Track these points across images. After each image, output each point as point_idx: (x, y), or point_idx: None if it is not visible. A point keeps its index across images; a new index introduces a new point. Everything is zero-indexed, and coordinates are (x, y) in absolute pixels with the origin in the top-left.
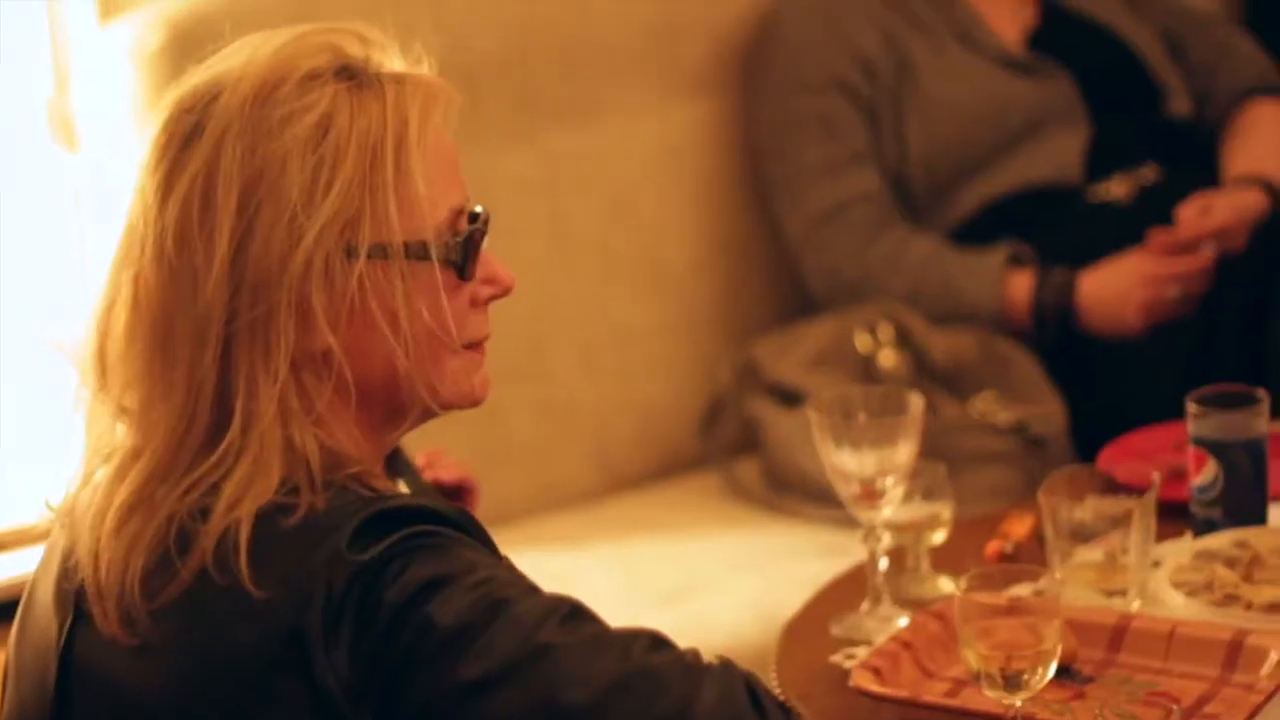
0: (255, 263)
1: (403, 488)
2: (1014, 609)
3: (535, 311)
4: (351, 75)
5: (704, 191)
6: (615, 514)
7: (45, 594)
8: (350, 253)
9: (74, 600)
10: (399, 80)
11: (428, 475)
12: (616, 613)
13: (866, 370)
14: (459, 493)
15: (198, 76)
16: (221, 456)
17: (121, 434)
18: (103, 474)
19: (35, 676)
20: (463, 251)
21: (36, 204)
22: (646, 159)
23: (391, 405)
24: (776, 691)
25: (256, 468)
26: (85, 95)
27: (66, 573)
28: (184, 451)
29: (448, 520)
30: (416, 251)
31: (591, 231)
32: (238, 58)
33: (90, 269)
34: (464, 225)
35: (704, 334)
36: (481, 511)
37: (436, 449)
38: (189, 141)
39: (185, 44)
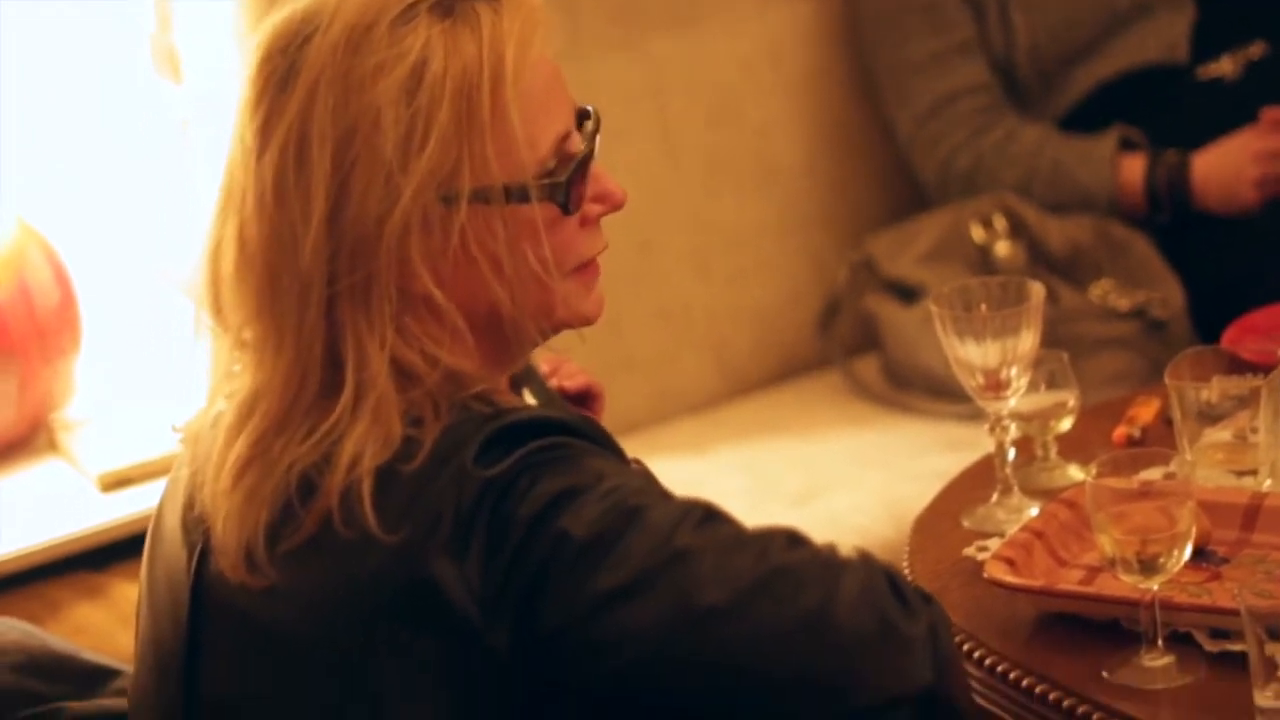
0: (353, 224)
1: (528, 397)
2: (1146, 492)
3: (646, 219)
4: (447, 10)
5: (809, 90)
6: (737, 418)
7: (173, 522)
8: (449, 201)
9: (201, 531)
10: (495, 7)
11: (552, 383)
12: (745, 516)
13: (983, 262)
14: (585, 399)
15: (290, 10)
16: (339, 416)
17: (241, 366)
18: (224, 407)
19: (168, 605)
20: (566, 188)
21: (144, 137)
22: (749, 60)
23: (503, 340)
24: None
25: (375, 424)
26: (187, 26)
27: (191, 502)
28: (298, 406)
29: (573, 430)
30: (517, 194)
31: (698, 136)
32: None
33: (200, 202)
34: (575, 147)
35: (816, 233)
36: (604, 420)
37: (560, 356)
38: (284, 86)
39: None
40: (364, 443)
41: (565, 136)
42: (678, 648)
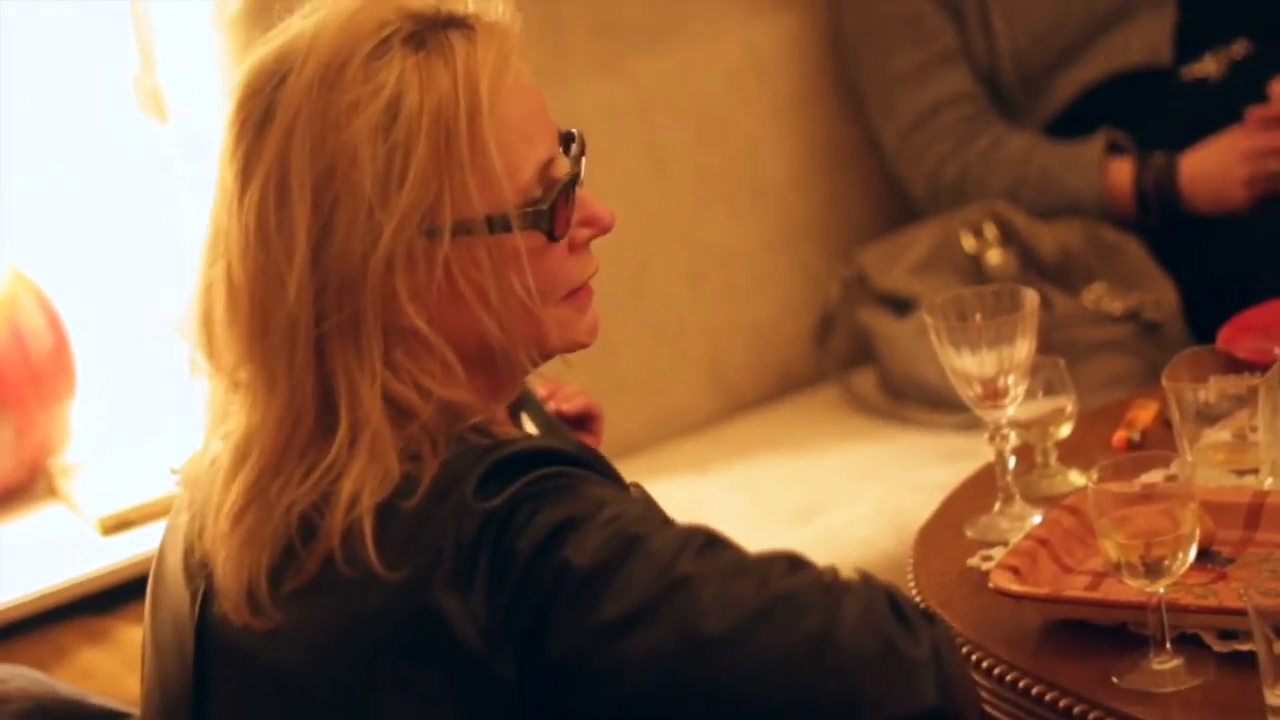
0: (336, 263)
1: (528, 423)
2: (1149, 495)
3: (637, 239)
4: (420, 42)
5: (795, 105)
6: (736, 436)
7: (174, 566)
8: (432, 235)
9: (203, 574)
10: (469, 36)
11: (550, 407)
12: (746, 535)
13: (975, 271)
14: (584, 421)
15: (265, 50)
16: (335, 455)
17: (237, 405)
18: (221, 447)
19: (174, 649)
20: (550, 215)
21: (131, 178)
22: (734, 76)
23: (495, 370)
24: (916, 600)
25: (372, 461)
26: (170, 65)
27: (192, 546)
28: (293, 446)
29: (571, 459)
30: (500, 224)
31: (686, 153)
32: (305, 25)
33: (188, 240)
34: (559, 172)
35: (807, 248)
36: (602, 441)
37: (558, 380)
38: (261, 128)
39: (265, 4)
40: (362, 480)
41: (549, 162)
42: (681, 676)
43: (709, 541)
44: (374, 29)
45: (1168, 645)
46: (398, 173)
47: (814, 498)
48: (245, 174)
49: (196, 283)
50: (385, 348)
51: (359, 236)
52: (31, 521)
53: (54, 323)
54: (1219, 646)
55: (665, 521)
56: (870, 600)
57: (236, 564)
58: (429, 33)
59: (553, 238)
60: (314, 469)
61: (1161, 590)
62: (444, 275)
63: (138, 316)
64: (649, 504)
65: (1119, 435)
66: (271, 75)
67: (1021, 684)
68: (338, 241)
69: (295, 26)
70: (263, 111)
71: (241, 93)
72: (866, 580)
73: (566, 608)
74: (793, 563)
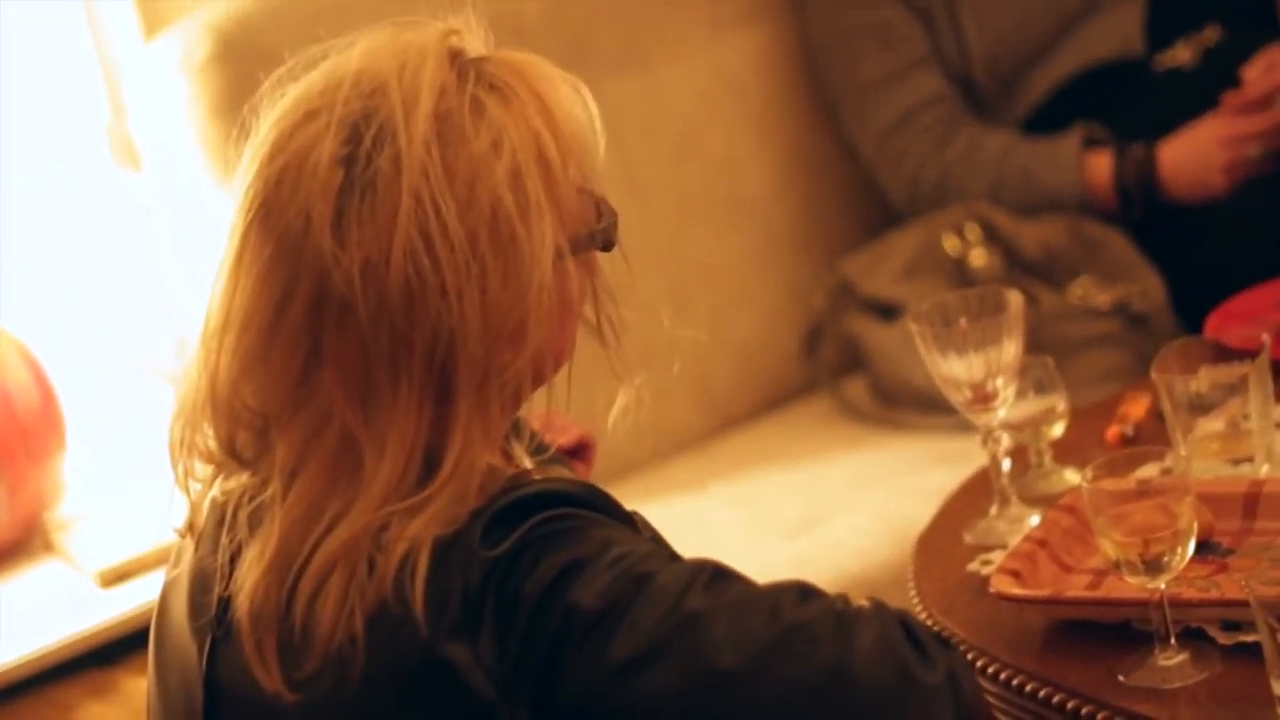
0: (503, 313)
1: (522, 457)
2: (1144, 491)
3: (619, 261)
4: (489, 84)
5: (769, 119)
6: (730, 452)
7: (179, 617)
8: (560, 259)
9: (210, 625)
10: (508, 63)
11: (546, 439)
12: (746, 549)
13: (959, 273)
14: (579, 450)
15: (329, 113)
16: (410, 504)
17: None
18: (258, 499)
19: (182, 700)
20: (615, 227)
21: (108, 228)
22: (707, 95)
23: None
24: (917, 607)
25: (450, 505)
26: (142, 114)
27: (201, 604)
28: (394, 500)
29: (574, 499)
30: (592, 240)
31: (662, 173)
32: (368, 85)
33: (167, 288)
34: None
35: (790, 261)
36: (596, 466)
37: (553, 410)
38: (372, 193)
39: (234, 49)
40: (423, 530)
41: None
42: (697, 713)
43: (717, 575)
44: (457, 80)
45: (1172, 640)
46: (535, 212)
47: (812, 509)
48: (363, 240)
49: (237, 343)
50: (517, 393)
51: (518, 283)
52: (29, 578)
53: (39, 378)
54: (1223, 639)
55: (672, 557)
56: (884, 627)
57: (330, 625)
58: (488, 71)
59: (605, 251)
60: (393, 520)
61: (1163, 586)
62: (573, 303)
63: (122, 366)
64: (656, 540)
65: (1112, 431)
66: (355, 140)
67: (1028, 687)
68: (495, 291)
69: (351, 92)
70: (369, 178)
71: (329, 158)
72: (878, 607)
73: (577, 650)
74: (803, 592)
